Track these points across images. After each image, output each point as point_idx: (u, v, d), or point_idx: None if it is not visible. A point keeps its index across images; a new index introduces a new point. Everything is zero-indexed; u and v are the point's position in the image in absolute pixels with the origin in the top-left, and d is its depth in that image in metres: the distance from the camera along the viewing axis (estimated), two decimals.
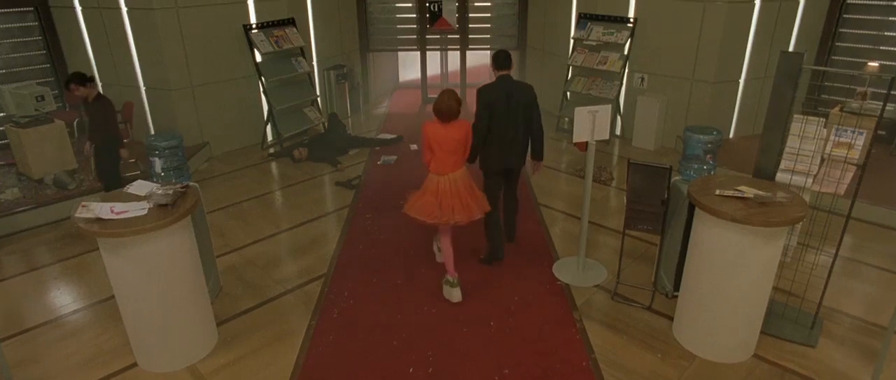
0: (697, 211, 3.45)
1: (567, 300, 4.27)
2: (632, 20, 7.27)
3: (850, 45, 7.22)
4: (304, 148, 7.19)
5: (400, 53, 11.16)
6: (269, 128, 7.62)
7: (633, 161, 3.87)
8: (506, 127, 4.26)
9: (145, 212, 3.25)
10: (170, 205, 3.31)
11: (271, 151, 7.46)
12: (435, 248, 4.82)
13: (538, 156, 4.53)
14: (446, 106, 3.87)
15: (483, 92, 4.27)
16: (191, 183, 3.76)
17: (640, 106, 7.38)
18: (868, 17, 7.05)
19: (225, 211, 5.82)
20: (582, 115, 4.09)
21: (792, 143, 3.55)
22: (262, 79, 7.26)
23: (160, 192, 3.37)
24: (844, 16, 7.17)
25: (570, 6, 8.08)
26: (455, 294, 4.19)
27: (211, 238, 4.35)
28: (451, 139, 3.92)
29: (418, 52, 9.62)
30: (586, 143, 4.25)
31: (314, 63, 8.32)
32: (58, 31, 7.20)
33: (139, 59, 6.86)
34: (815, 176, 3.57)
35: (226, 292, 4.43)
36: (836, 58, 7.32)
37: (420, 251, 4.96)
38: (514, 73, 4.93)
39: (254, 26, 7.16)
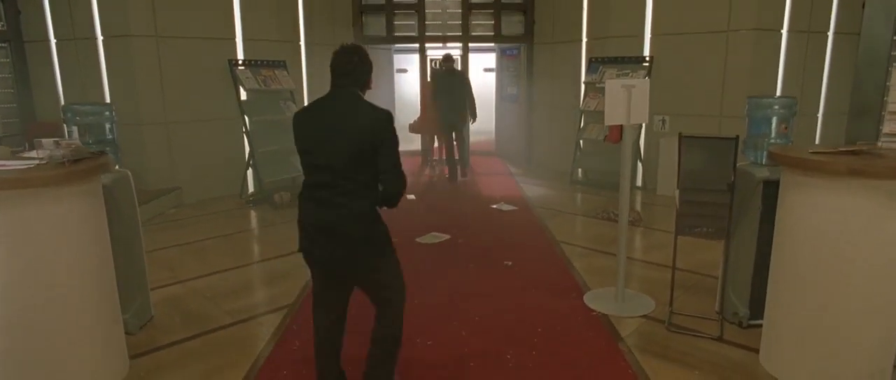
0: (786, 179, 2.54)
1: (607, 331, 3.21)
2: (647, 58, 6.74)
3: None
4: (287, 192, 6.35)
5: (400, 129, 10.64)
6: (250, 174, 6.82)
7: (687, 135, 3.03)
8: (446, 100, 7.24)
9: (31, 166, 2.36)
10: (68, 161, 2.42)
11: (252, 199, 6.60)
12: (430, 168, 8.27)
13: (472, 117, 7.52)
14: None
15: (433, 78, 7.49)
16: (119, 169, 2.90)
17: (662, 150, 6.64)
18: None
19: (181, 248, 4.86)
20: (615, 89, 3.29)
21: None
22: (246, 117, 6.59)
23: (60, 148, 2.50)
24: None
25: (579, 53, 7.62)
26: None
27: (144, 255, 3.38)
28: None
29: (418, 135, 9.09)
30: (621, 130, 3.44)
31: None
32: (29, 65, 6.67)
33: (110, 92, 6.24)
34: None
35: (157, 324, 3.38)
36: None
37: (414, 280, 3.94)
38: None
39: (240, 63, 6.63)
